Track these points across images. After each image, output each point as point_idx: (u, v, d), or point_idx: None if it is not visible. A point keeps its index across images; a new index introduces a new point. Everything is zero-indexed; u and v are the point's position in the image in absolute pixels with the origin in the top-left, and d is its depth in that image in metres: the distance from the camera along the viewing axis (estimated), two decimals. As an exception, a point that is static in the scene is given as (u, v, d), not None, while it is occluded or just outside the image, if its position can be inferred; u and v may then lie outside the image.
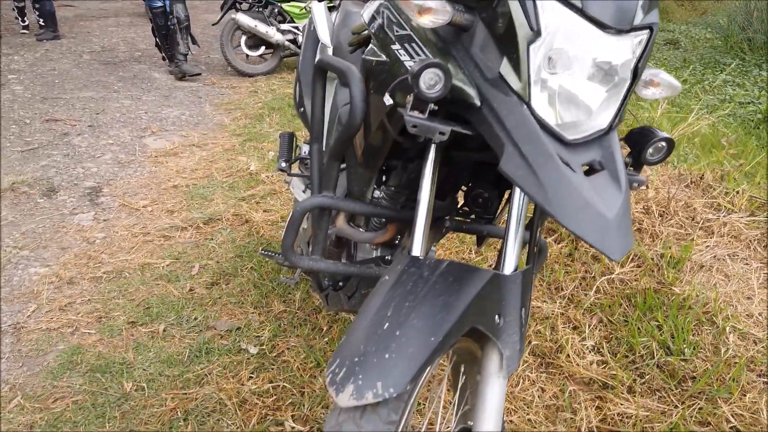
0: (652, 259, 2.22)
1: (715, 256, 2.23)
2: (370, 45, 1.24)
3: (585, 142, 0.98)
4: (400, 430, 0.90)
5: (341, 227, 1.47)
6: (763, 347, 1.81)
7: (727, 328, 1.86)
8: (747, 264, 2.20)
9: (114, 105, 4.79)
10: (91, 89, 5.17)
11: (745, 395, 1.66)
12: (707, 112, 4.11)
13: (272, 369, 1.95)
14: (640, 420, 1.65)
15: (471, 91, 0.97)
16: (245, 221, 2.95)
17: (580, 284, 2.22)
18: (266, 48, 5.79)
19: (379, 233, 1.45)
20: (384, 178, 1.44)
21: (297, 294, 2.32)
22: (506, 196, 1.46)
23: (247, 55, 5.81)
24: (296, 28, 5.72)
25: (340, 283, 1.62)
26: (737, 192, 2.54)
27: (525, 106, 0.94)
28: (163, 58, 5.73)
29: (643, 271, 2.18)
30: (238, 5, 5.58)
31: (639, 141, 1.11)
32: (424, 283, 0.97)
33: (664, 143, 1.10)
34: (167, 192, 3.31)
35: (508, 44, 0.93)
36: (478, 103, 0.97)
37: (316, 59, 1.32)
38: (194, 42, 5.68)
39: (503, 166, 0.93)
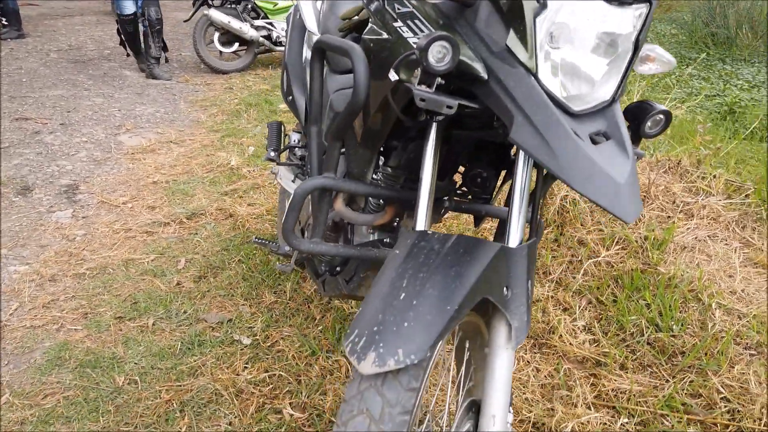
0: (636, 241, 2.27)
1: (696, 238, 2.29)
2: (370, 25, 1.24)
3: (590, 113, 1.01)
4: (419, 397, 0.91)
5: (340, 210, 1.47)
6: (747, 321, 1.87)
7: (713, 305, 1.91)
8: (727, 244, 2.27)
9: (85, 103, 4.69)
10: (60, 87, 5.05)
11: (733, 367, 1.72)
12: (679, 103, 4.22)
13: (267, 359, 1.94)
14: (634, 395, 1.69)
15: (477, 65, 0.98)
16: (229, 215, 2.92)
17: (568, 268, 2.26)
18: (240, 44, 5.74)
19: (378, 215, 1.45)
20: (382, 160, 1.44)
21: (287, 284, 2.30)
22: (502, 176, 1.49)
23: (221, 52, 5.75)
24: (270, 24, 5.68)
25: (338, 268, 1.62)
26: (714, 176, 2.62)
27: (532, 78, 0.96)
28: (128, 55, 5.61)
29: (628, 253, 2.24)
30: (210, 1, 5.52)
31: (637, 115, 1.14)
32: (436, 255, 0.99)
33: (662, 116, 1.13)
34: (147, 188, 3.26)
35: (514, 17, 0.95)
36: (485, 76, 0.98)
37: (315, 39, 1.31)
38: (165, 48, 5.58)
39: (514, 135, 0.95)
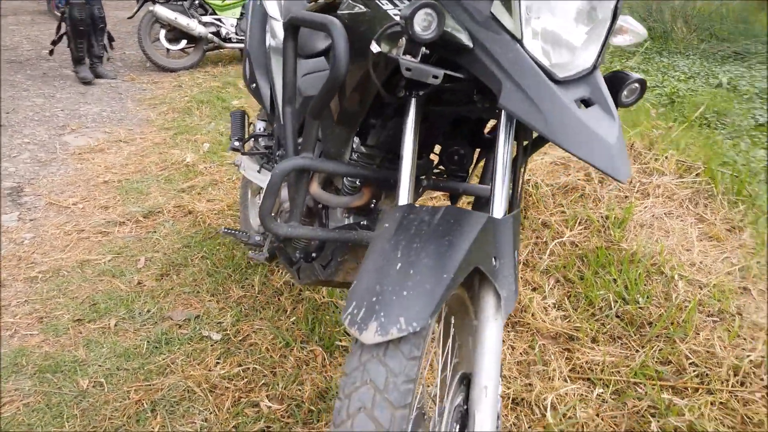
0: (598, 220, 2.33)
1: (653, 215, 2.38)
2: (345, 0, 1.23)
3: (573, 80, 1.02)
4: (420, 367, 0.90)
5: (316, 193, 1.44)
6: (708, 291, 1.94)
7: (675, 277, 1.98)
8: (683, 220, 2.36)
9: (25, 104, 4.46)
10: (-4, 88, 4.79)
11: (698, 334, 1.78)
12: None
13: (239, 353, 1.89)
14: (607, 365, 1.73)
15: (462, 34, 0.98)
16: (188, 212, 2.83)
17: (534, 249, 2.29)
18: (188, 42, 5.59)
19: (355, 197, 1.44)
20: (357, 140, 1.42)
21: (255, 278, 2.25)
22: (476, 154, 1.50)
23: (168, 50, 5.58)
24: (219, 20, 5.56)
25: (313, 254, 1.59)
26: (666, 157, 2.72)
27: (518, 44, 0.96)
28: (52, 47, 5.23)
29: (591, 233, 2.29)
30: (155, -3, 5.35)
31: (613, 84, 1.16)
32: (427, 226, 0.98)
33: (637, 84, 1.15)
34: (98, 188, 3.13)
35: None
36: (470, 44, 0.98)
37: (289, 16, 1.28)
38: (110, 44, 5.30)
39: (503, 102, 0.95)
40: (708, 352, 1.71)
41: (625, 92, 1.15)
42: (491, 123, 1.45)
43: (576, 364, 1.75)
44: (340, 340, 1.92)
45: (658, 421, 1.51)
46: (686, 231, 2.27)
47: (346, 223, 1.57)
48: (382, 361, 0.86)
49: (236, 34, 5.60)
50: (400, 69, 1.07)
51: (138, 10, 5.40)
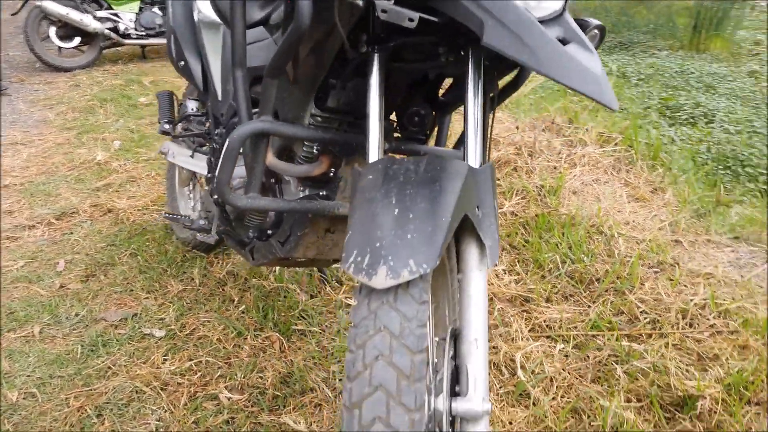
0: (534, 190, 2.40)
1: (583, 183, 2.48)
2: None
3: (547, 20, 1.02)
4: (430, 311, 0.87)
5: (272, 163, 1.36)
6: (646, 245, 2.05)
7: (615, 235, 2.08)
8: (610, 185, 2.48)
9: None
10: None
11: (644, 285, 1.87)
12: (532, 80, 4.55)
13: (188, 347, 1.76)
14: (564, 322, 1.78)
15: None
16: (108, 210, 2.62)
17: (476, 222, 2.32)
18: (82, 39, 5.18)
19: (314, 165, 1.38)
20: (313, 105, 1.36)
21: (194, 270, 2.11)
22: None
23: (60, 48, 5.16)
24: (115, 15, 5.21)
25: (269, 231, 1.51)
26: (587, 129, 2.85)
27: (495, -17, 0.95)
28: None
29: (528, 202, 2.36)
30: (41, -9, 4.92)
31: None
32: (415, 174, 0.96)
33: (596, 31, 1.18)
34: (-3, 193, 2.82)
35: None
36: None
37: None
38: None
39: (487, 39, 0.93)
40: (655, 300, 1.80)
41: (586, 39, 1.17)
42: (446, 88, 1.44)
43: (535, 324, 1.79)
44: (296, 324, 1.84)
45: (622, 367, 1.57)
46: (615, 194, 2.38)
47: (302, 196, 1.50)
48: (393, 307, 0.82)
49: (136, 29, 5.28)
50: (362, 22, 1.03)
51: (23, 6, 4.94)
